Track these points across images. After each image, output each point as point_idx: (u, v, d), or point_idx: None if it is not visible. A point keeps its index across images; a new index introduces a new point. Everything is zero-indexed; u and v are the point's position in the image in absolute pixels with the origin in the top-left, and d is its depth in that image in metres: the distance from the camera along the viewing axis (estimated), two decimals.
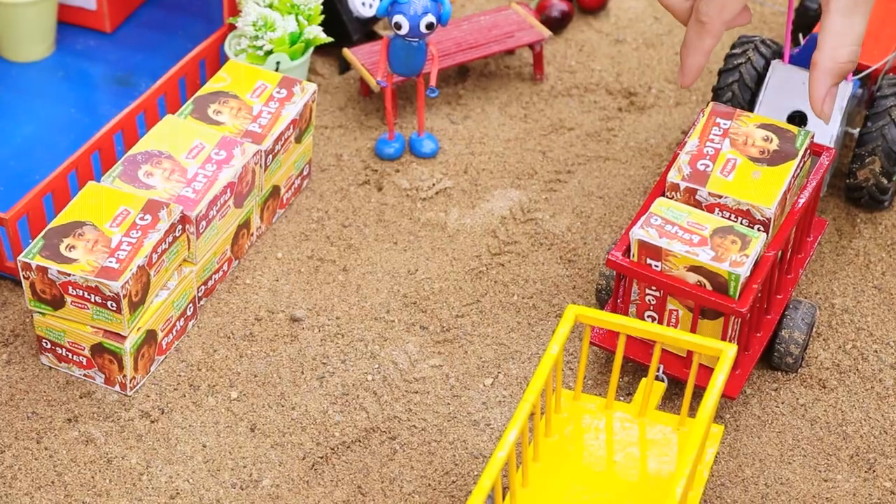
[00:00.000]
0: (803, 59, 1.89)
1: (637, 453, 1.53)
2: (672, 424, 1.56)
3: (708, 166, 1.65)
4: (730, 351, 1.49)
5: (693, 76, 1.68)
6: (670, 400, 1.70)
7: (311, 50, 2.02)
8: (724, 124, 1.69)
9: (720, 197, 1.63)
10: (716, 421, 1.68)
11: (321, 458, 1.64)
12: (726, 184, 1.64)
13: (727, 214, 1.63)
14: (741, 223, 1.63)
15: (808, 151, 1.69)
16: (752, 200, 1.62)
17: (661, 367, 1.66)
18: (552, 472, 1.51)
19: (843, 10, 1.58)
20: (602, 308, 1.79)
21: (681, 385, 1.70)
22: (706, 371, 1.65)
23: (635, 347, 1.69)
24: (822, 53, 1.60)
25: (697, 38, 1.65)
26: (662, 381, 1.64)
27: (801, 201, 1.69)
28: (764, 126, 1.69)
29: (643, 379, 1.61)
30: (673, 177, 1.65)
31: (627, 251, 1.64)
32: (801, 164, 1.68)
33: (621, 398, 1.70)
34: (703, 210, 1.64)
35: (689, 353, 1.64)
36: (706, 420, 1.42)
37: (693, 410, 1.68)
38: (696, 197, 1.64)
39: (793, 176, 1.65)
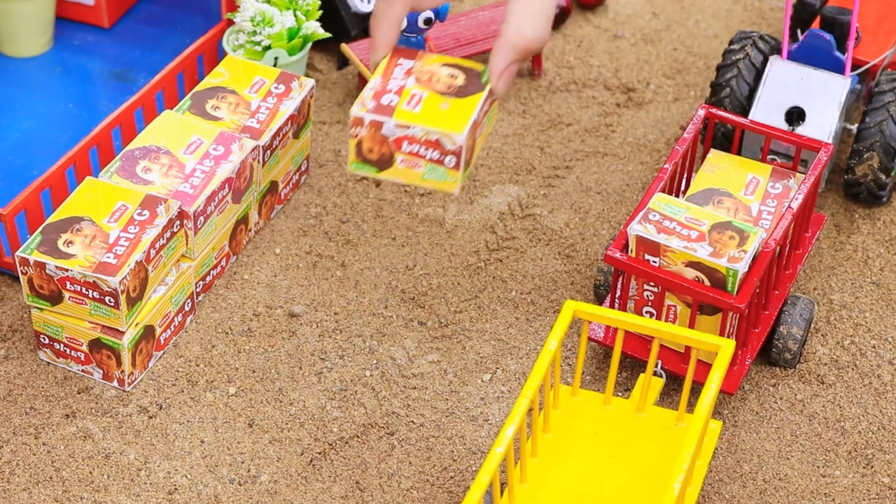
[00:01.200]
0: (802, 55, 1.89)
1: (635, 449, 1.53)
2: (670, 420, 1.56)
3: (393, 100, 1.49)
4: (727, 347, 1.49)
5: (385, 49, 1.52)
6: (668, 396, 1.70)
7: (308, 45, 2.02)
8: (408, 64, 1.55)
9: (408, 127, 1.47)
10: (714, 416, 1.68)
11: (319, 453, 1.64)
12: (414, 114, 1.48)
13: (416, 148, 1.48)
14: (431, 154, 1.47)
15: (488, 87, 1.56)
16: (442, 128, 1.46)
17: (660, 362, 1.66)
18: (550, 468, 1.51)
19: None
20: (600, 304, 1.79)
21: (679, 381, 1.70)
22: (705, 367, 1.65)
23: (633, 343, 1.69)
24: (508, 26, 1.46)
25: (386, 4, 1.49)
26: (661, 376, 1.64)
27: (800, 197, 1.69)
28: (449, 65, 1.55)
29: (641, 374, 1.61)
30: (356, 111, 1.49)
31: (626, 247, 1.64)
32: (490, 101, 1.53)
33: (619, 394, 1.70)
34: (392, 145, 1.49)
35: (688, 348, 1.64)
36: (704, 416, 1.42)
37: (691, 406, 1.68)
38: (382, 132, 1.48)
39: (481, 109, 1.51)
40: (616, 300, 1.69)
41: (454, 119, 1.47)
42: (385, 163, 1.49)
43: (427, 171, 1.48)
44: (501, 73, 1.48)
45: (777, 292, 1.73)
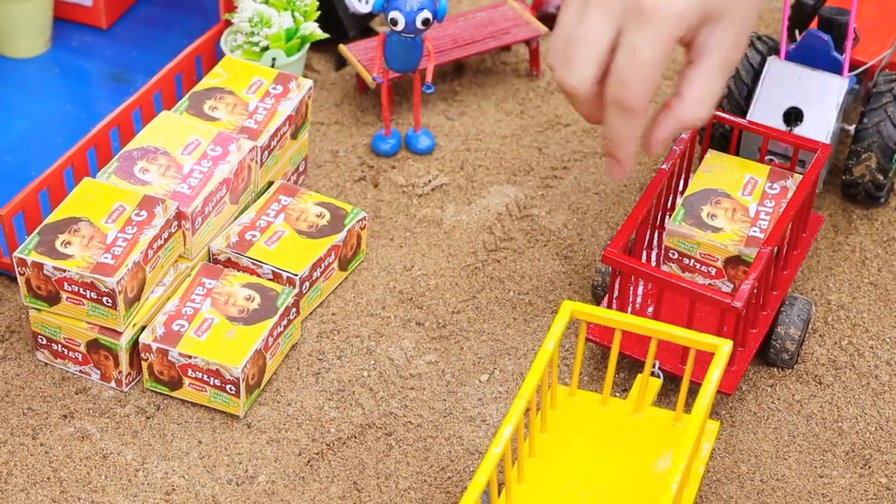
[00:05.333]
0: (799, 56, 1.89)
1: (633, 449, 1.53)
2: (668, 420, 1.56)
3: (183, 326, 1.65)
4: (724, 347, 1.49)
5: (632, 163, 1.53)
6: (667, 396, 1.70)
7: (307, 46, 2.02)
8: (209, 284, 1.70)
9: (190, 357, 1.63)
10: (711, 417, 1.68)
11: (317, 454, 1.64)
12: (198, 344, 1.64)
13: (200, 375, 1.63)
14: (213, 381, 1.63)
15: (292, 309, 1.69)
16: (220, 360, 1.62)
17: (658, 363, 1.66)
18: (548, 468, 1.51)
19: (719, 66, 1.49)
20: (598, 304, 1.79)
21: (678, 381, 1.70)
22: (703, 367, 1.65)
23: (631, 343, 1.69)
24: (684, 104, 1.49)
25: (626, 122, 1.48)
26: (658, 377, 1.64)
27: (798, 197, 1.69)
28: (249, 285, 1.70)
29: (639, 375, 1.61)
30: (145, 337, 1.64)
31: (624, 247, 1.64)
32: (284, 323, 1.68)
33: (617, 394, 1.70)
34: (179, 370, 1.63)
35: (686, 348, 1.64)
36: (701, 416, 1.42)
37: (689, 407, 1.67)
38: (169, 357, 1.63)
39: (269, 334, 1.65)
40: (614, 301, 1.69)
41: (235, 350, 1.63)
42: (175, 384, 1.66)
43: (212, 395, 1.65)
44: (662, 142, 1.52)
45: (775, 293, 1.73)
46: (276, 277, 1.72)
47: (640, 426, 1.56)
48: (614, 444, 1.53)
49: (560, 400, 1.58)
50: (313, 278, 1.74)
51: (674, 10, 1.43)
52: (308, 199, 1.80)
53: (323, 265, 1.75)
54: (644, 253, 1.77)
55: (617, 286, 1.67)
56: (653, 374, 1.65)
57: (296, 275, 1.71)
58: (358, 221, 1.79)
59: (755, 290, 1.63)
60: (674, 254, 1.70)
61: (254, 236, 1.75)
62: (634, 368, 1.72)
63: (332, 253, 1.76)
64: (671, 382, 1.71)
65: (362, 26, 2.16)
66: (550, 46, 1.51)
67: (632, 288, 1.71)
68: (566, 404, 1.58)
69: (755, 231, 1.68)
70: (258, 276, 1.73)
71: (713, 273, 1.68)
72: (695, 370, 1.65)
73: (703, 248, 1.68)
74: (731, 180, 1.74)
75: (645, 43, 1.43)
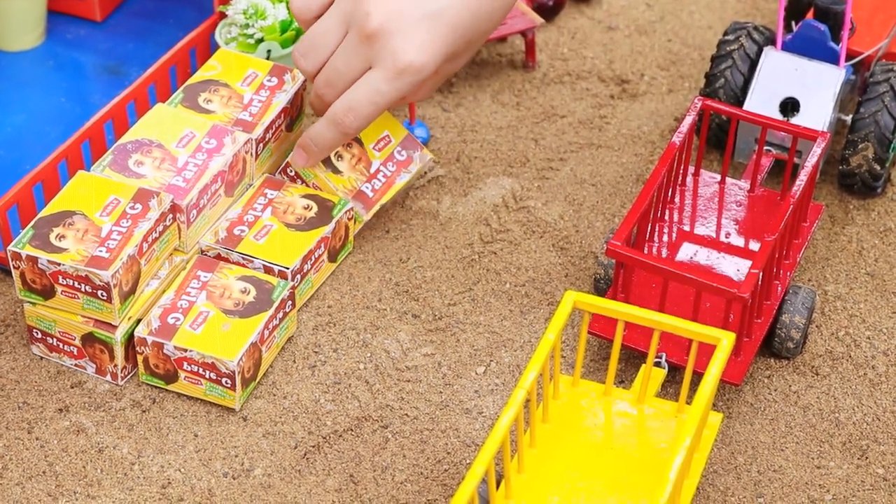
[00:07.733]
0: (796, 46, 1.89)
1: (635, 440, 1.53)
2: (671, 411, 1.56)
3: (178, 319, 1.65)
4: (725, 340, 1.48)
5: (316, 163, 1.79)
6: (673, 386, 1.69)
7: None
8: (205, 277, 1.70)
9: (186, 351, 1.62)
10: (712, 409, 1.67)
11: (313, 446, 1.63)
12: (194, 337, 1.63)
13: (195, 368, 1.63)
14: (209, 374, 1.63)
15: (288, 302, 1.69)
16: (215, 354, 1.62)
17: (664, 354, 1.65)
18: (549, 459, 1.51)
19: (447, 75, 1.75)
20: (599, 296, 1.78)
21: (683, 372, 1.70)
22: (709, 358, 1.64)
23: (635, 335, 1.68)
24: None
25: (331, 134, 1.73)
26: (663, 367, 1.64)
27: (800, 186, 1.69)
28: (244, 278, 1.70)
29: (643, 365, 1.60)
30: (140, 331, 1.64)
31: (627, 239, 1.63)
32: (280, 315, 1.68)
33: (617, 385, 1.69)
34: (174, 363, 1.64)
35: (689, 339, 1.63)
36: (701, 408, 1.41)
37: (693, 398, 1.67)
38: (164, 351, 1.63)
39: (264, 327, 1.65)
40: (618, 294, 1.68)
41: (230, 343, 1.62)
42: (171, 377, 1.66)
43: (208, 388, 1.64)
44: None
45: (776, 282, 1.72)
46: (268, 272, 1.71)
47: (642, 417, 1.55)
48: (617, 434, 1.53)
49: (562, 390, 1.58)
50: (304, 271, 1.74)
51: (426, 73, 1.65)
52: (294, 191, 1.80)
53: (313, 257, 1.75)
54: (646, 245, 1.77)
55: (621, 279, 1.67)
56: (658, 364, 1.64)
57: (287, 268, 1.71)
58: (346, 212, 1.79)
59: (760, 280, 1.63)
60: None
61: (242, 231, 1.75)
62: (635, 359, 1.72)
63: (322, 245, 1.76)
64: (678, 373, 1.70)
65: None
66: (305, 53, 1.74)
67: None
68: (569, 394, 1.57)
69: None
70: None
71: None
72: (701, 361, 1.64)
73: None
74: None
75: (389, 90, 1.66)
